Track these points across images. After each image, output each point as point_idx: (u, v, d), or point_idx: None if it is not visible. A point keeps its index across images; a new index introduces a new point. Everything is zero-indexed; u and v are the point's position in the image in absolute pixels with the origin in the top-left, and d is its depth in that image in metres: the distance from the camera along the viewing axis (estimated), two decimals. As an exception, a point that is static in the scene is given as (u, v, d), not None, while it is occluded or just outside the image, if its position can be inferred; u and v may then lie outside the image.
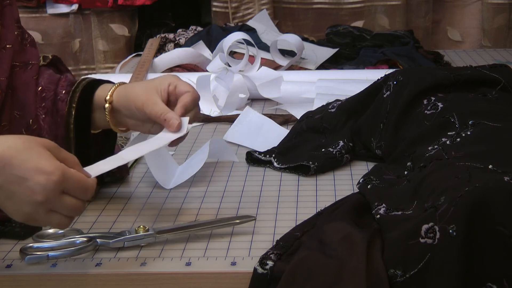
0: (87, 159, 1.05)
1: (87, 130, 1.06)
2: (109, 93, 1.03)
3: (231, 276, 0.88)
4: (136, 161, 1.24)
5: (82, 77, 1.11)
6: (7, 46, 1.05)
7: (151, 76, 1.68)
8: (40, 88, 1.07)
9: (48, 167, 0.81)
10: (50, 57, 1.14)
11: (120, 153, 0.96)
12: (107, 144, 1.11)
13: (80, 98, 1.05)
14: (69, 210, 0.84)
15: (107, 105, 1.03)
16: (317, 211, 0.98)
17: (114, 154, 1.00)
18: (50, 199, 0.81)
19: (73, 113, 1.05)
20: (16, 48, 1.06)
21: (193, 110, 1.02)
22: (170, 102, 1.02)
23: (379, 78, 1.23)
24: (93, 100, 1.05)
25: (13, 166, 0.80)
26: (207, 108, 1.51)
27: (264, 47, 1.84)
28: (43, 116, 1.06)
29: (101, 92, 1.05)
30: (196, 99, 1.02)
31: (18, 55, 1.07)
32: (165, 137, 0.99)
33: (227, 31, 1.93)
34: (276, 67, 1.75)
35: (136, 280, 0.89)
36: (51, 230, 0.97)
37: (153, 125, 1.03)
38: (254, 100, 1.59)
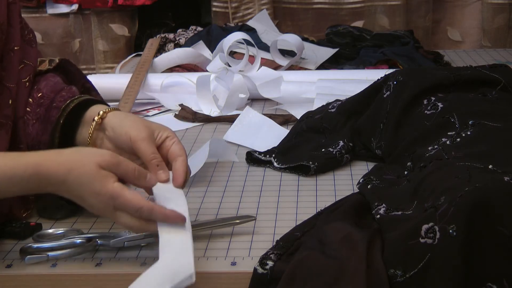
0: None
1: (70, 142, 1.02)
2: (105, 109, 1.00)
3: (231, 276, 0.88)
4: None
5: (84, 95, 1.07)
6: (15, 48, 1.03)
7: (151, 76, 1.67)
8: (40, 94, 1.05)
9: (99, 190, 0.87)
10: (57, 60, 1.12)
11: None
12: None
13: (73, 109, 1.02)
14: (126, 227, 0.90)
15: (97, 117, 1.00)
16: (317, 211, 0.98)
17: None
18: (107, 215, 0.90)
19: (61, 121, 1.02)
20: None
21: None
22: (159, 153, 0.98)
23: (379, 78, 1.23)
24: (85, 113, 1.02)
25: (72, 188, 0.88)
26: (207, 108, 1.51)
27: (264, 47, 1.83)
28: (34, 121, 1.03)
29: (96, 108, 1.02)
30: (186, 166, 0.97)
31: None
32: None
33: (227, 31, 1.93)
34: (276, 67, 1.75)
35: (136, 280, 0.89)
36: (51, 230, 0.97)
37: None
38: (254, 100, 1.59)
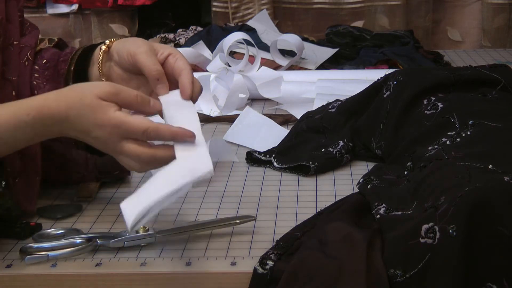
0: None
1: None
2: (111, 40, 1.01)
3: (231, 276, 0.88)
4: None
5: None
6: (14, 42, 1.03)
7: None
8: (44, 61, 1.06)
9: (101, 121, 0.87)
10: (56, 39, 1.12)
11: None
12: None
13: (81, 55, 1.04)
14: (136, 158, 0.89)
15: (104, 47, 1.00)
16: (317, 211, 0.98)
17: None
18: (113, 147, 0.89)
19: (72, 69, 1.03)
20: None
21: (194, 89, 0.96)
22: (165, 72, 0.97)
23: (379, 78, 1.23)
24: (93, 53, 1.03)
25: (75, 124, 0.89)
26: (207, 108, 1.51)
27: (264, 47, 1.84)
28: (45, 83, 1.04)
29: (101, 46, 1.03)
30: (191, 78, 0.96)
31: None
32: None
33: (227, 31, 1.93)
34: (276, 67, 1.75)
35: (136, 280, 0.89)
36: (51, 230, 0.97)
37: (138, 85, 0.99)
38: (254, 100, 1.59)
